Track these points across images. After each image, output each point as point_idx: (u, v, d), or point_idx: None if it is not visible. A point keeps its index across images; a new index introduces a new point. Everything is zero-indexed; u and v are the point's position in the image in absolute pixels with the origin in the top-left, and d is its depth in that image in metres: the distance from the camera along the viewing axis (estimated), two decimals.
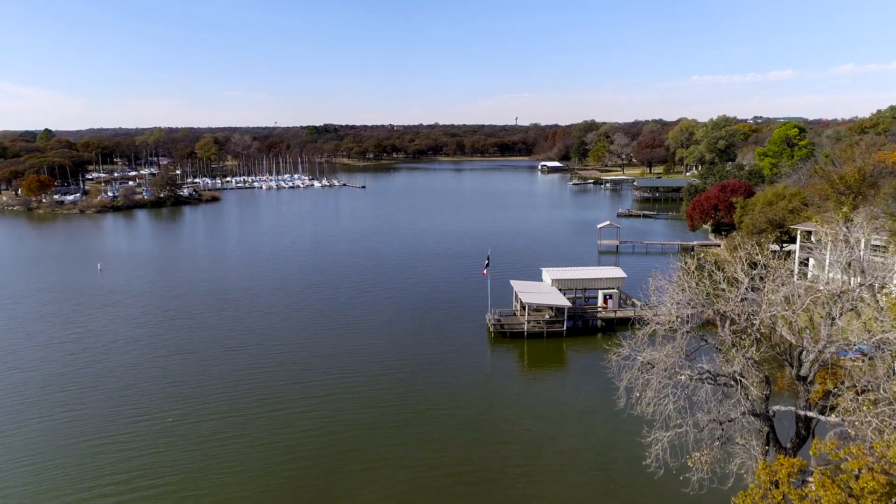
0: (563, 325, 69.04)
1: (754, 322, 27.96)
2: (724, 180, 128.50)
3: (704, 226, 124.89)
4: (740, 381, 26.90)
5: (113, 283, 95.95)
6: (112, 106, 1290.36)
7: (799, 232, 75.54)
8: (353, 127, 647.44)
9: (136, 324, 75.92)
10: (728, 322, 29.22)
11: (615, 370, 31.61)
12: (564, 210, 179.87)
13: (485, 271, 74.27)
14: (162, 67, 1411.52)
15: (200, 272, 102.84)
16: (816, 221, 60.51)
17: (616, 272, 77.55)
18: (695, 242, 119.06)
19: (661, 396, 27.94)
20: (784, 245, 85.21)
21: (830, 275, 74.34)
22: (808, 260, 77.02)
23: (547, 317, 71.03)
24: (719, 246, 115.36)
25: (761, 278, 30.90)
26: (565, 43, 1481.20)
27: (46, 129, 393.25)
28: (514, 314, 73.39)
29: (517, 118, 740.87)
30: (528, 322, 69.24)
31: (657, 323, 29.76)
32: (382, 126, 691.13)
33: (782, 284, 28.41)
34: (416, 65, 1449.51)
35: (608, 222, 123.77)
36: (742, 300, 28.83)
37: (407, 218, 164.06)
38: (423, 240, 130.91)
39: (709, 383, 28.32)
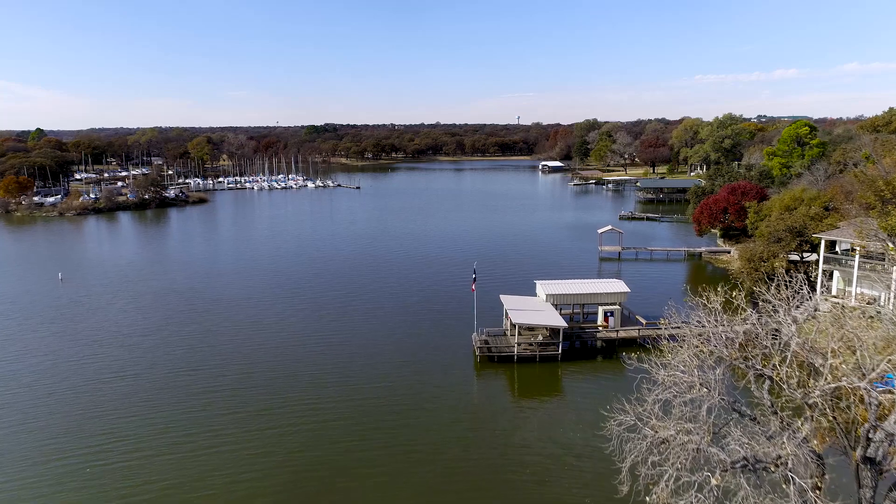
0: (558, 347, 61.24)
1: (811, 395, 20.16)
2: (733, 182, 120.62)
3: (712, 230, 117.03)
4: (793, 479, 19.16)
5: (72, 294, 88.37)
6: (116, 106, 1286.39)
7: (823, 241, 67.63)
8: (354, 126, 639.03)
9: (84, 342, 68.31)
10: (767, 383, 21.58)
11: (616, 443, 23.85)
12: (564, 212, 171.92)
13: (473, 286, 66.49)
14: (166, 68, 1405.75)
15: (169, 281, 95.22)
16: (859, 236, 52.75)
17: (618, 286, 69.67)
18: (703, 249, 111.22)
19: (680, 500, 20.21)
20: (804, 254, 77.37)
21: (859, 290, 66.60)
22: (832, 272, 69.15)
23: (540, 338, 63.24)
24: (729, 252, 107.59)
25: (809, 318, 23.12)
26: (567, 42, 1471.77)
27: (38, 129, 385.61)
28: (505, 333, 65.63)
29: (519, 117, 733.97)
30: (519, 344, 61.44)
31: (673, 385, 21.97)
32: (384, 126, 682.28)
33: (855, 352, 20.37)
34: (419, 65, 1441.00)
35: (610, 227, 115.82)
36: (788, 360, 21.01)
37: (400, 221, 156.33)
38: (415, 244, 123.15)
39: (746, 471, 20.62)
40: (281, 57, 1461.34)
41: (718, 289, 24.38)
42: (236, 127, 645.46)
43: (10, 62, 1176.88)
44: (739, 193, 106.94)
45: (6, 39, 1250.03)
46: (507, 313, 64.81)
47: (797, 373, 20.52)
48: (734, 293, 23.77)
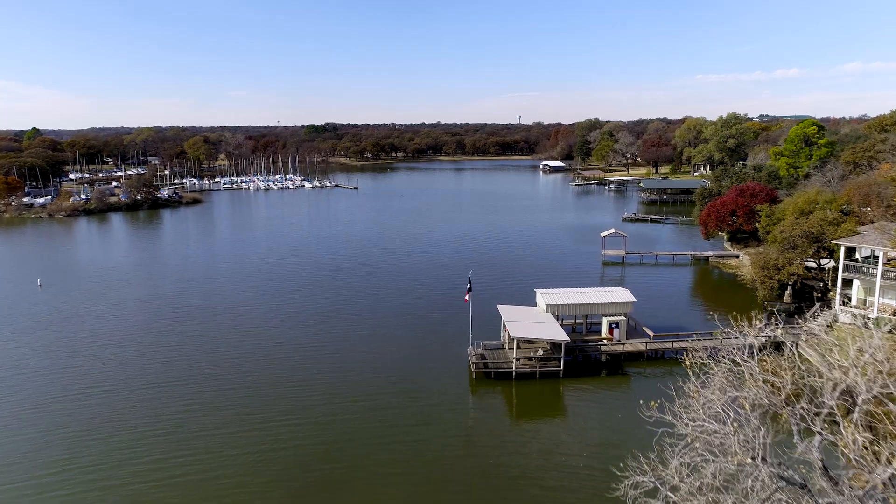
0: (559, 362, 57.00)
1: (889, 468, 15.96)
2: (741, 183, 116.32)
3: (720, 233, 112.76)
4: None
5: (50, 300, 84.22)
6: (116, 106, 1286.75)
7: (843, 248, 63.37)
8: (354, 126, 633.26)
9: (56, 353, 64.21)
10: (818, 439, 17.43)
11: None
12: (566, 214, 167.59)
13: (467, 297, 62.29)
14: (166, 68, 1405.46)
15: (153, 287, 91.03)
16: (893, 244, 48.66)
17: (624, 296, 65.39)
18: (710, 253, 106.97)
19: None
20: (821, 261, 73.10)
21: (882, 301, 62.34)
22: (851, 281, 64.89)
23: (540, 352, 58.97)
24: (737, 257, 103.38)
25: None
26: (568, 42, 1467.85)
27: (34, 128, 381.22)
28: (502, 347, 61.42)
29: (520, 117, 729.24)
30: (518, 359, 57.20)
31: (706, 444, 17.73)
32: (384, 125, 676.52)
33: None
34: (419, 65, 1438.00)
35: (613, 230, 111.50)
36: (856, 420, 16.77)
37: (396, 222, 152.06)
38: (410, 247, 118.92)
39: None
40: (281, 57, 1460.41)
41: (754, 319, 20.25)
42: (236, 126, 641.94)
43: (10, 62, 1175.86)
44: (748, 195, 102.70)
45: (6, 39, 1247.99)
46: (505, 325, 60.64)
47: (863, 439, 16.26)
48: (772, 320, 19.64)
